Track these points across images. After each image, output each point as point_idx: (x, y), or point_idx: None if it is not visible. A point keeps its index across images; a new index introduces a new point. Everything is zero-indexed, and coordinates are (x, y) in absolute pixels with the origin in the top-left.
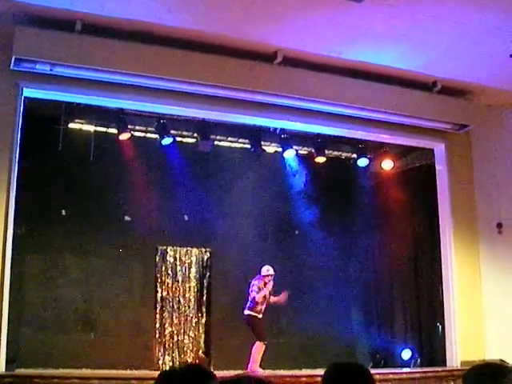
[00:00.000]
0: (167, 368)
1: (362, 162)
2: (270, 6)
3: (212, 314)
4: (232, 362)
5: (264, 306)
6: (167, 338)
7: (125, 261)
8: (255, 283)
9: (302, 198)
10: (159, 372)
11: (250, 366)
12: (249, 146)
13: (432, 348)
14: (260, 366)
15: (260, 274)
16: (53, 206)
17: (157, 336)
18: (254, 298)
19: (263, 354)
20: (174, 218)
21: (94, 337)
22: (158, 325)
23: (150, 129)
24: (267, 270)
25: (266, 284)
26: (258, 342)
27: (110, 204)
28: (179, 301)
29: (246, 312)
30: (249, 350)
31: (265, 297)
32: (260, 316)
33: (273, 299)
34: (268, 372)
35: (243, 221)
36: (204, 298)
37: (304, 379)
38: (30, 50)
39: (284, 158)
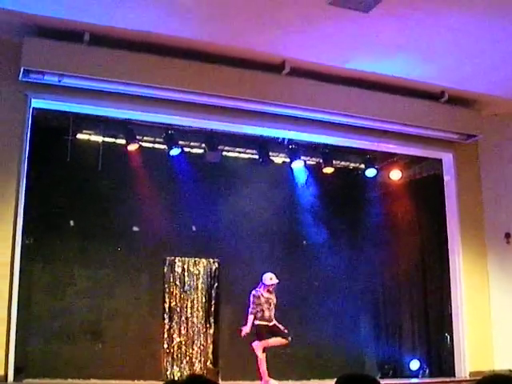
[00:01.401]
0: (176, 379)
1: (370, 172)
2: (277, 16)
3: (220, 324)
4: (240, 373)
5: (272, 312)
6: (175, 348)
7: (133, 271)
8: (254, 294)
9: (310, 208)
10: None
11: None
12: (257, 157)
13: (440, 359)
14: (269, 375)
15: (262, 281)
16: (61, 217)
17: (165, 346)
18: (255, 309)
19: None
20: (182, 229)
21: (102, 347)
22: (165, 335)
23: (158, 139)
24: (270, 278)
25: (269, 292)
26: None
27: (118, 215)
28: (187, 311)
29: (256, 322)
30: (256, 360)
31: (270, 303)
32: (271, 324)
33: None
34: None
35: (251, 231)
36: (212, 308)
37: None
38: (38, 60)
39: (292, 168)
